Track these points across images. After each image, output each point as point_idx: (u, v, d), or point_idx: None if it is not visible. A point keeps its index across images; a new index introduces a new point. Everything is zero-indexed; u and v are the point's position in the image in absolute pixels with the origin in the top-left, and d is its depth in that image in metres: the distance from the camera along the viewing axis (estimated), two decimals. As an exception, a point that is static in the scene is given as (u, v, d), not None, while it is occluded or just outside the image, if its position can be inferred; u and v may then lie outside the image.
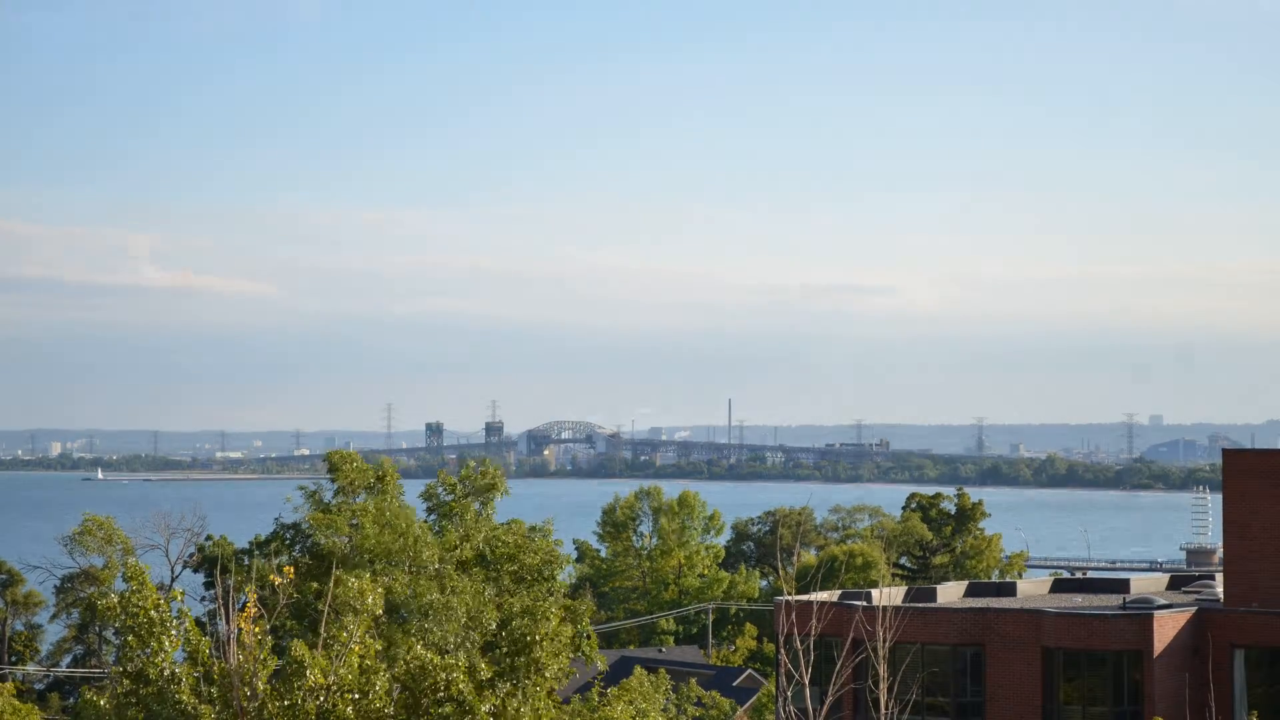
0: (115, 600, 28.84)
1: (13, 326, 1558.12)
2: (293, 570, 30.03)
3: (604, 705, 58.47)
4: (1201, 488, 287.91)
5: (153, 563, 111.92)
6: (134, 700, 28.09)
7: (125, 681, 28.37)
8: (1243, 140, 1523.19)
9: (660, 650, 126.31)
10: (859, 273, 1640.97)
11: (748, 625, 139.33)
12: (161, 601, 28.64)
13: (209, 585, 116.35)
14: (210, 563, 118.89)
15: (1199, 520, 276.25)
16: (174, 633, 28.45)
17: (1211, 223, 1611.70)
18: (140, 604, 28.39)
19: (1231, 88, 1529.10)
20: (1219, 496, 77.61)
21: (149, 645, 28.15)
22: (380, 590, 29.57)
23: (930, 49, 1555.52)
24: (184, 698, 27.50)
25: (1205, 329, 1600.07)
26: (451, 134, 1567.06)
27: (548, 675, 28.74)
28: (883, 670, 37.15)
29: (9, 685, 75.05)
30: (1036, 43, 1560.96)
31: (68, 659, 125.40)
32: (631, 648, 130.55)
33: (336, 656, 28.03)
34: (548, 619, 29.25)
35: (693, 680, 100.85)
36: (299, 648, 27.84)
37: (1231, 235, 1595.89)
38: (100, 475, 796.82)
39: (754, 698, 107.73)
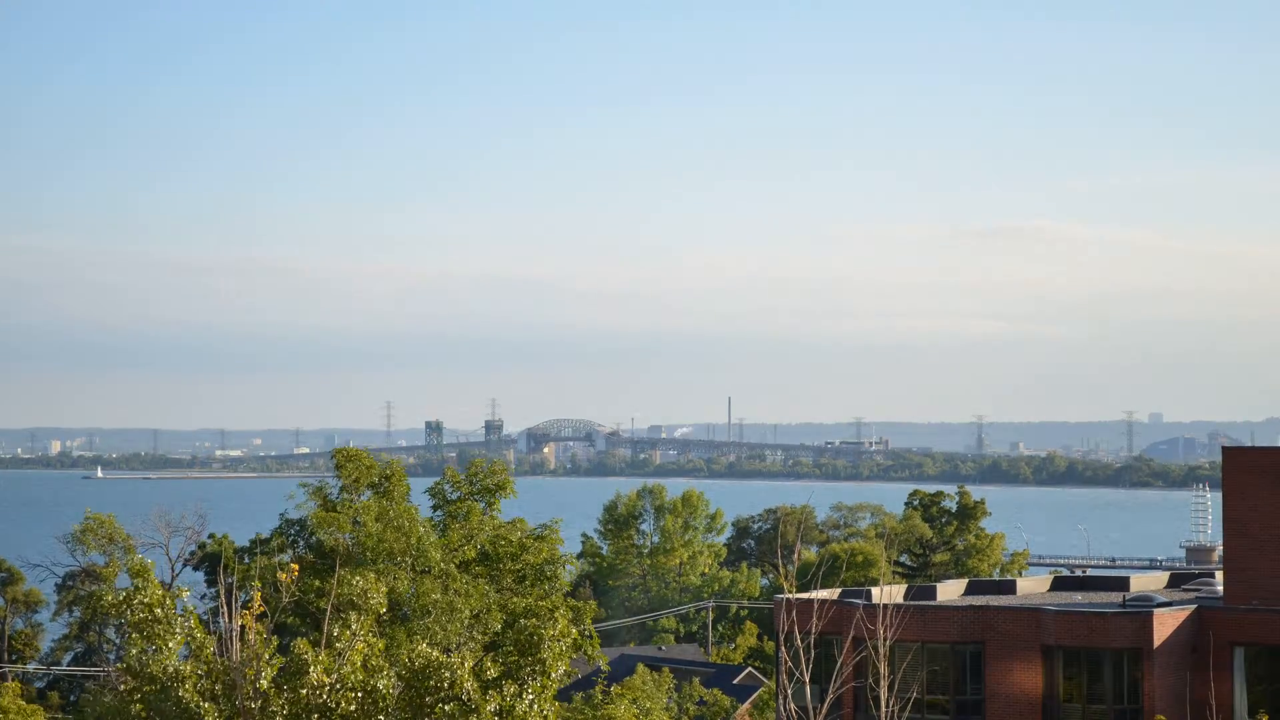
0: (120, 597, 28.89)
1: (12, 324, 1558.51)
2: (297, 568, 30.07)
3: (607, 704, 58.48)
4: (1201, 485, 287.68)
5: (153, 561, 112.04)
6: (138, 697, 28.14)
7: (129, 679, 28.43)
8: (1250, 137, 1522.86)
9: (660, 648, 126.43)
10: (859, 270, 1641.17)
11: (748, 623, 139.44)
12: (166, 599, 28.71)
13: (210, 583, 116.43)
14: (211, 561, 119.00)
15: (1199, 518, 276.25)
16: (178, 630, 28.50)
17: (1213, 221, 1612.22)
18: (144, 600, 28.45)
19: (1237, 83, 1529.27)
20: (1219, 494, 77.72)
21: (153, 643, 28.22)
22: (384, 589, 29.64)
23: (939, 40, 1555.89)
24: (187, 696, 27.56)
25: (1205, 327, 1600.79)
26: (442, 133, 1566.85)
27: (553, 676, 28.80)
28: (883, 668, 37.25)
29: (14, 685, 75.06)
30: (1032, 27, 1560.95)
31: (68, 657, 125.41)
32: (631, 645, 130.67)
33: (340, 655, 28.09)
34: (555, 620, 29.30)
35: (695, 679, 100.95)
36: (302, 646, 27.90)
37: (1232, 234, 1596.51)
38: (100, 473, 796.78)
39: (754, 695, 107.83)
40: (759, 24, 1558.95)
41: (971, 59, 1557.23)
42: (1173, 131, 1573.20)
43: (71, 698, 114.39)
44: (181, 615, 28.91)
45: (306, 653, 27.77)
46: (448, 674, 27.95)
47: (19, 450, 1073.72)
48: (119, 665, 29.52)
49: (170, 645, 28.31)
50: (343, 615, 28.75)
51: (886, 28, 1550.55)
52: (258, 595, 28.17)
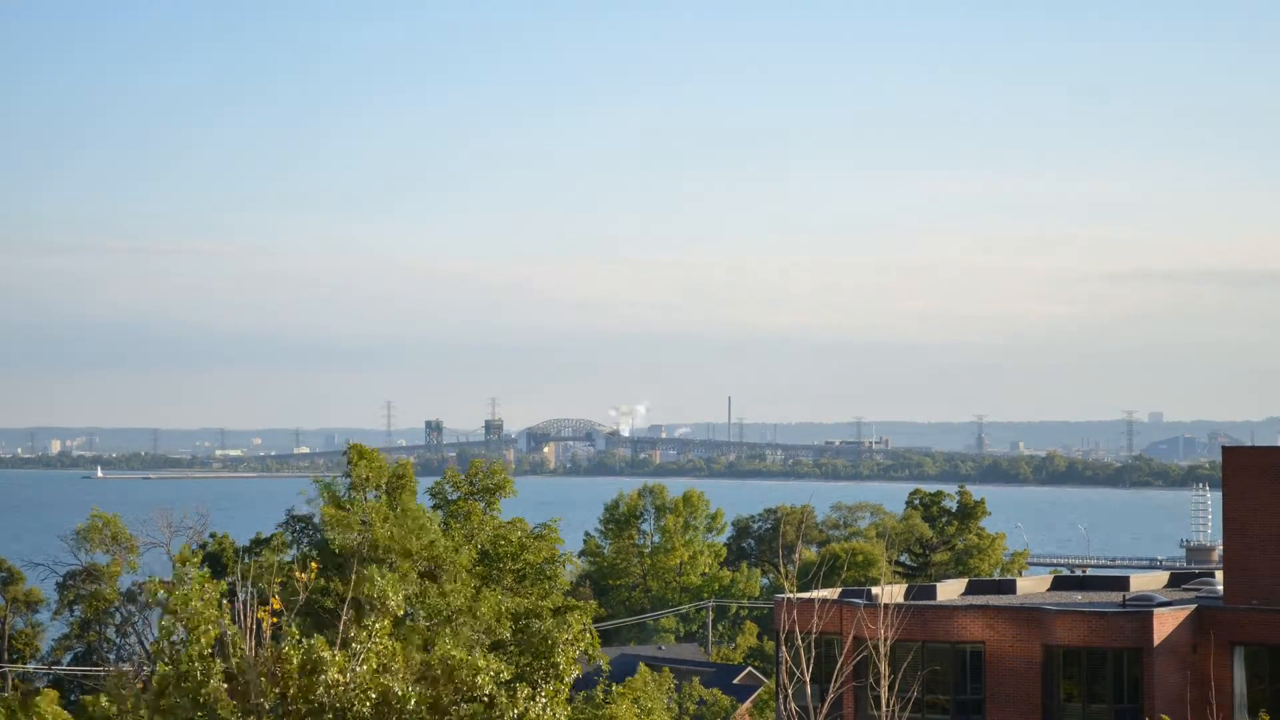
0: (161, 583, 28.86)
1: (12, 324, 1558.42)
2: (316, 566, 30.05)
3: (609, 703, 58.51)
4: (1201, 485, 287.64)
5: (155, 560, 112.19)
6: (170, 687, 28.03)
7: (163, 667, 28.33)
8: (1246, 132, 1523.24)
9: (660, 648, 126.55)
10: (859, 269, 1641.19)
11: (748, 623, 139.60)
12: (208, 588, 28.60)
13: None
14: (212, 560, 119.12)
15: (1199, 518, 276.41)
16: (212, 625, 28.41)
17: (1211, 219, 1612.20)
18: (185, 591, 28.37)
19: (1234, 76, 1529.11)
20: (1219, 494, 77.80)
21: (189, 635, 28.14)
22: (403, 592, 29.65)
23: (928, 32, 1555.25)
24: (214, 692, 27.50)
25: (1205, 326, 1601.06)
26: (442, 132, 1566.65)
27: (566, 680, 28.86)
28: (884, 668, 37.32)
29: (53, 693, 75.01)
30: (1035, 22, 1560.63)
31: (69, 657, 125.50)
32: (632, 645, 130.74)
33: (355, 655, 28.05)
34: (569, 624, 29.36)
35: (695, 679, 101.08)
36: (319, 645, 27.85)
37: (1231, 233, 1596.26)
38: (100, 473, 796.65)
39: (754, 695, 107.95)
40: (761, 16, 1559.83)
41: (969, 51, 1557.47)
42: (1173, 127, 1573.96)
43: (72, 697, 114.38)
44: (219, 611, 28.88)
45: (323, 652, 27.73)
46: (470, 675, 27.91)
47: (19, 450, 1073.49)
48: (153, 644, 29.53)
49: (203, 639, 28.25)
50: (363, 614, 28.74)
51: (889, 19, 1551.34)
52: (275, 593, 28.14)
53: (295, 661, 27.94)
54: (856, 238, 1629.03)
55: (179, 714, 27.79)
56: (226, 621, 28.85)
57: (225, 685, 27.84)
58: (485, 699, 27.95)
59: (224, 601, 29.58)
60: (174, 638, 28.67)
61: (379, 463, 70.18)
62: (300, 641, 28.48)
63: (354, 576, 30.18)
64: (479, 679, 28.01)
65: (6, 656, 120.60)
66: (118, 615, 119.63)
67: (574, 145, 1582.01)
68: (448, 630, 59.61)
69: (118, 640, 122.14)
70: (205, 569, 29.61)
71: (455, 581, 63.98)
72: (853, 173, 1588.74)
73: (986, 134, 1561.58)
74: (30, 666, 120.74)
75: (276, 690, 27.97)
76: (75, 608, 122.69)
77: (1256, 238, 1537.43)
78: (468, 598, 62.64)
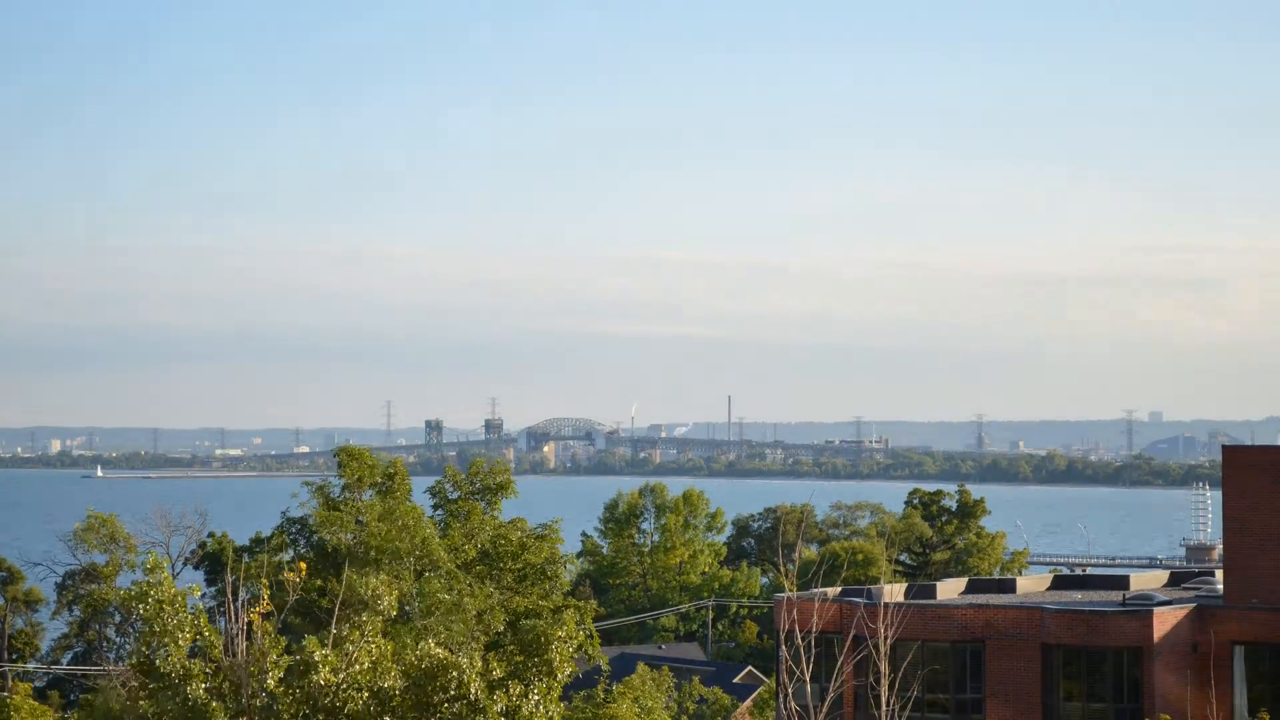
0: (135, 591, 28.94)
1: (12, 324, 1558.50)
2: (305, 567, 30.10)
3: (609, 703, 58.52)
4: (1201, 484, 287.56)
5: (167, 558, 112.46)
6: (147, 694, 28.14)
7: (140, 676, 28.41)
8: (1242, 129, 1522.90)
9: (660, 647, 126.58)
10: (860, 268, 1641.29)
11: (748, 622, 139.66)
12: (178, 596, 28.72)
13: (210, 582, 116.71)
14: (211, 560, 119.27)
15: (1199, 517, 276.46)
16: (187, 628, 28.50)
17: (1210, 218, 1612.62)
18: (157, 597, 28.46)
19: (1238, 76, 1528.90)
20: (1219, 493, 77.83)
21: (164, 639, 28.21)
22: (396, 592, 29.66)
23: (935, 24, 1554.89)
24: (197, 694, 27.54)
25: (1206, 325, 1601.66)
26: (440, 133, 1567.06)
27: (559, 678, 28.87)
28: (884, 667, 37.32)
29: (25, 686, 75.29)
30: (1056, 9, 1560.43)
31: (68, 656, 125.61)
32: (632, 645, 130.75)
33: (347, 655, 28.10)
34: (562, 621, 29.35)
35: (695, 678, 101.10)
36: (311, 644, 27.90)
37: (1230, 232, 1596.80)
38: (100, 473, 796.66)
39: (755, 694, 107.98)
40: (765, 6, 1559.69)
41: (974, 43, 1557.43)
42: (1186, 128, 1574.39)
43: (71, 697, 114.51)
44: (192, 614, 28.95)
45: (315, 652, 27.77)
46: (455, 674, 27.97)
47: (19, 450, 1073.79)
48: (131, 661, 29.58)
49: (180, 642, 28.33)
50: (352, 616, 28.77)
51: (902, 9, 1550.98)
52: (265, 594, 28.18)
53: (273, 658, 27.98)
54: (858, 237, 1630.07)
55: (166, 718, 27.84)
56: (203, 623, 28.92)
57: (204, 687, 27.87)
58: (471, 697, 27.98)
59: (199, 604, 29.74)
60: (145, 648, 28.76)
61: (371, 462, 70.19)
62: (276, 640, 28.54)
63: (345, 577, 30.20)
64: (465, 677, 28.04)
65: (6, 656, 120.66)
66: (117, 615, 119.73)
67: (573, 142, 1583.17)
68: (440, 628, 59.66)
69: (118, 640, 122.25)
70: (168, 574, 29.66)
71: (444, 579, 64.01)
72: (854, 170, 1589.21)
73: (989, 133, 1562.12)
74: (30, 666, 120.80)
75: (264, 690, 28.01)
76: (74, 607, 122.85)
77: (1261, 238, 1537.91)
78: (455, 594, 62.66)
